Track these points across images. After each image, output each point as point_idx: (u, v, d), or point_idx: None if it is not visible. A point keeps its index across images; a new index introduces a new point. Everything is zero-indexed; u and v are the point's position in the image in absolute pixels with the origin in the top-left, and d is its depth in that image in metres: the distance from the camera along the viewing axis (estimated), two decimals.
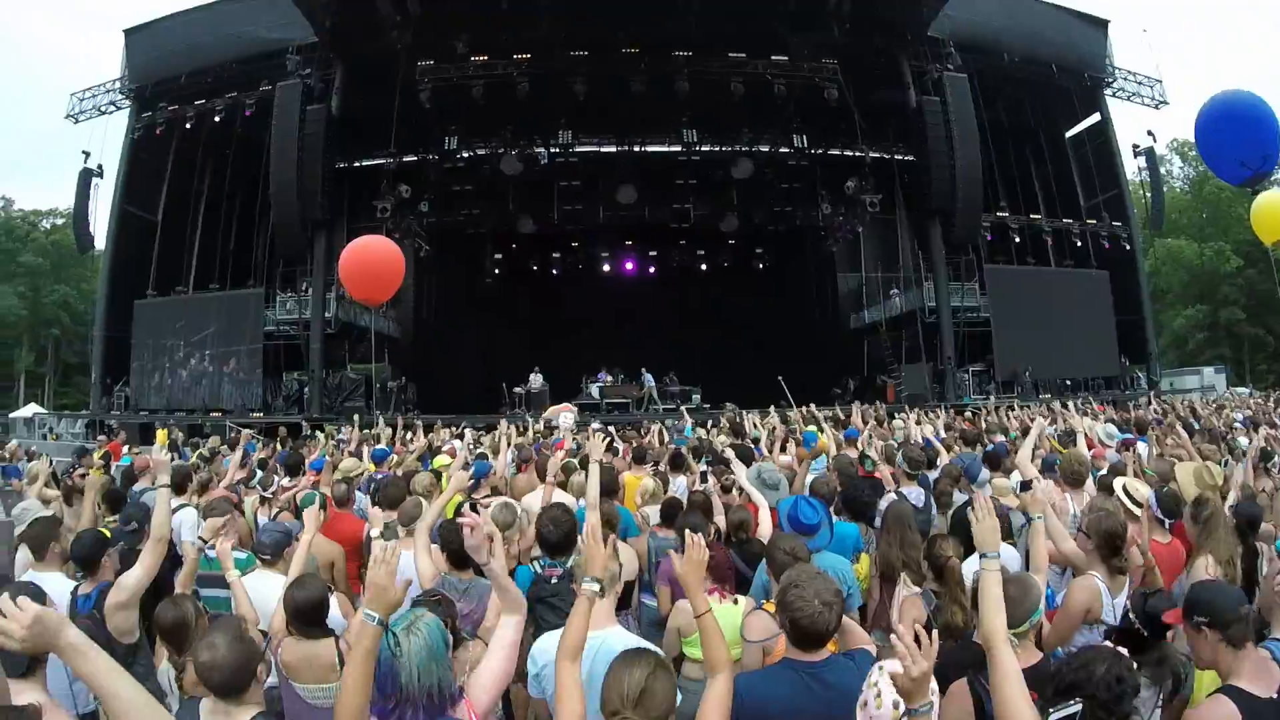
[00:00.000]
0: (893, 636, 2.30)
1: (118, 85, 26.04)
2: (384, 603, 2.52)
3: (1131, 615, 3.20)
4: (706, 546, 4.37)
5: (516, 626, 2.96)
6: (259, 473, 7.89)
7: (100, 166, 24.83)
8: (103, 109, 26.31)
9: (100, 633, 3.67)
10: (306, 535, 4.32)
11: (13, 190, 72.29)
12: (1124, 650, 2.40)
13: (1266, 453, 7.23)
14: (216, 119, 23.91)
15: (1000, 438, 9.52)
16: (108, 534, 4.75)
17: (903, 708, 2.23)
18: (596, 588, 2.82)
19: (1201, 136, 8.88)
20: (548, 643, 3.19)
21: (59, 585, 4.32)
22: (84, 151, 24.57)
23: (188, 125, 24.41)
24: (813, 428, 10.15)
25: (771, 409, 14.51)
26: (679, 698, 2.61)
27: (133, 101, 25.57)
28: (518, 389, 23.61)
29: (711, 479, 6.51)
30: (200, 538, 4.13)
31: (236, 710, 2.62)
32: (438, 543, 4.54)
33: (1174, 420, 10.97)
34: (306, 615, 3.53)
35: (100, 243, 25.96)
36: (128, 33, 25.48)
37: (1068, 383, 24.91)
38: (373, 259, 11.45)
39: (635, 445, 8.83)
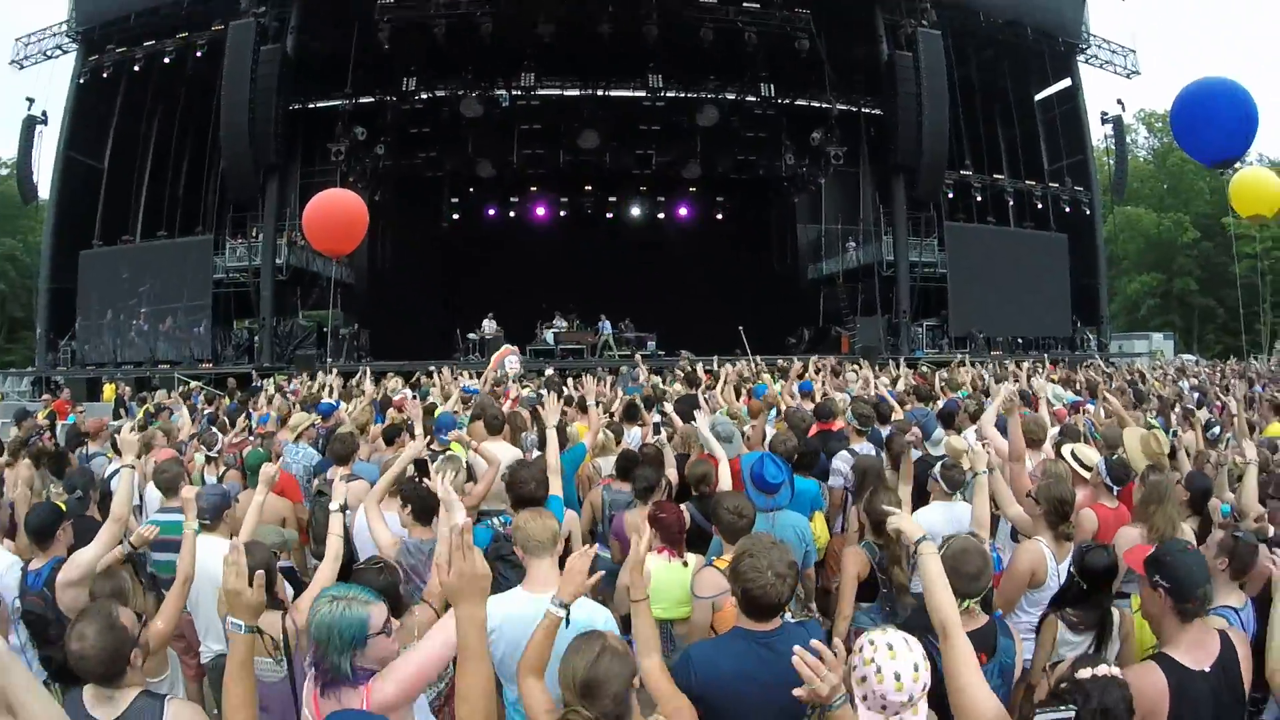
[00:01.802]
0: (795, 660, 2.24)
1: (64, 28, 25.06)
2: (244, 607, 2.40)
3: (1073, 569, 3.30)
4: (660, 504, 4.36)
5: (449, 641, 2.60)
6: (211, 429, 7.60)
7: (45, 113, 24.23)
8: (48, 53, 25.40)
9: (51, 610, 3.62)
10: (258, 497, 4.13)
11: None
12: (1115, 671, 2.33)
13: (1209, 423, 7.31)
14: (166, 60, 23.03)
15: (953, 395, 9.52)
16: (63, 506, 4.54)
17: (906, 680, 2.21)
18: (563, 613, 2.63)
19: (1177, 118, 8.95)
20: (501, 604, 3.06)
21: (2, 560, 4.15)
22: (28, 98, 23.84)
23: (136, 68, 23.49)
24: (766, 379, 10.10)
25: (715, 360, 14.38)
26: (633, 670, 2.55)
27: (80, 44, 24.62)
28: (471, 335, 23.46)
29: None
30: (130, 543, 3.92)
31: (118, 694, 2.58)
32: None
33: (1121, 384, 11.05)
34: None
35: (45, 192, 25.23)
36: None
37: (1019, 341, 25.28)
38: (337, 211, 11.30)
39: (579, 395, 8.68)
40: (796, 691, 2.22)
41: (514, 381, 11.86)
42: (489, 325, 23.37)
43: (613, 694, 2.23)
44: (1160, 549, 2.93)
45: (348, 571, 4.49)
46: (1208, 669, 2.68)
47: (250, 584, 2.42)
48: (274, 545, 4.19)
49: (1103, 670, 2.28)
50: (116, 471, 5.86)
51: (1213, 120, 8.25)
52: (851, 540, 5.05)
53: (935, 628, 2.64)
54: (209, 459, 6.50)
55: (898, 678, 2.20)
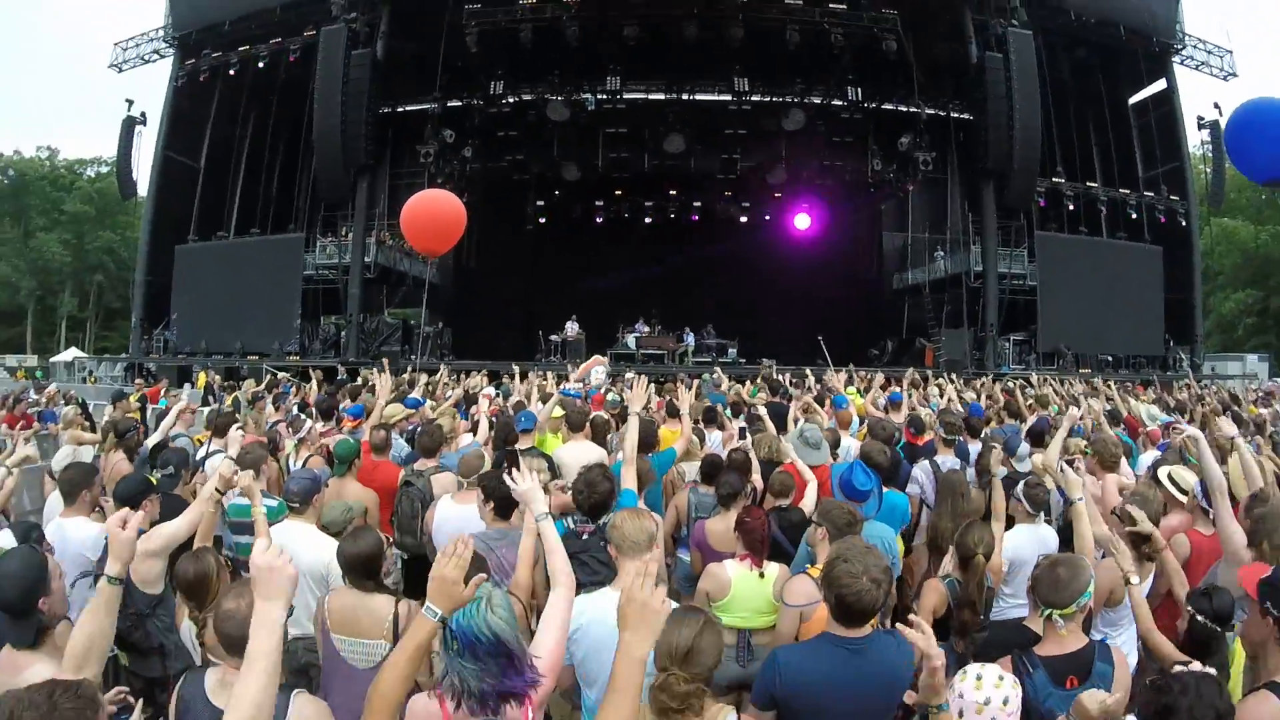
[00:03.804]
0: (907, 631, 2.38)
1: (161, 34, 26.21)
2: (448, 598, 2.29)
3: (1200, 617, 3.14)
4: (749, 508, 4.27)
5: (566, 602, 2.70)
6: (298, 415, 7.75)
7: (143, 114, 25.27)
8: (146, 58, 26.62)
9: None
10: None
11: (58, 140, 73.44)
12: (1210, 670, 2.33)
13: None
14: (260, 65, 23.90)
15: (1044, 412, 9.23)
16: (155, 480, 4.65)
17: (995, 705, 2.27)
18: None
19: (1231, 136, 8.83)
20: (589, 604, 3.05)
21: (85, 531, 4.26)
22: (127, 100, 25.02)
23: (231, 72, 24.37)
24: (850, 391, 9.93)
25: (808, 370, 14.22)
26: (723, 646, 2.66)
27: (176, 49, 25.66)
28: (554, 337, 23.66)
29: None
30: (216, 489, 3.93)
31: None
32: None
33: (1215, 407, 10.55)
34: (360, 567, 3.44)
35: (143, 189, 26.23)
36: None
37: (1109, 359, 24.30)
38: (438, 211, 11.53)
39: (668, 399, 8.61)
40: (908, 696, 2.32)
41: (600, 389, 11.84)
42: (572, 328, 23.58)
43: (708, 663, 2.36)
44: (1277, 573, 2.80)
45: (422, 566, 4.53)
46: None
47: (466, 582, 2.32)
48: (342, 520, 4.25)
49: (1195, 666, 2.30)
50: (213, 454, 6.02)
51: (1265, 137, 8.01)
52: (923, 560, 5.02)
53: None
54: (296, 444, 6.59)
55: (987, 703, 2.28)
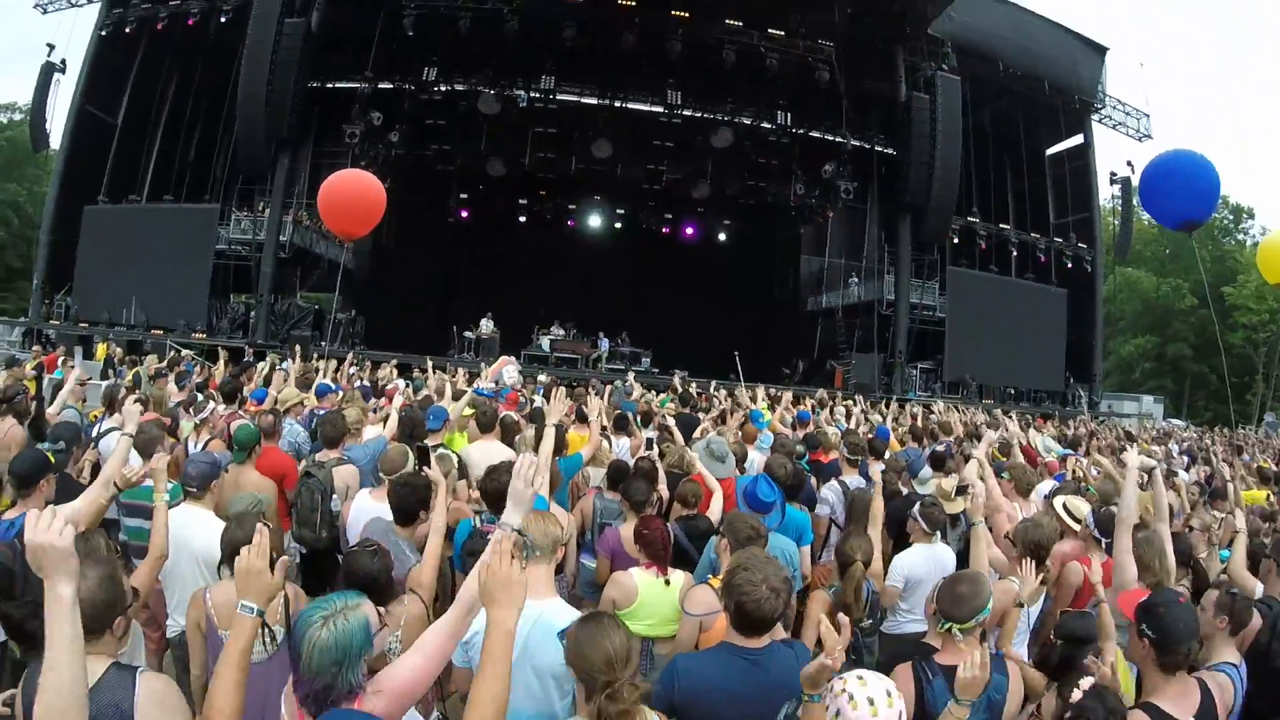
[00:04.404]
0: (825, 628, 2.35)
1: None
2: (258, 589, 2.32)
3: (1055, 638, 3.32)
4: (647, 519, 4.34)
5: (451, 634, 2.41)
6: (198, 396, 7.53)
7: (64, 62, 23.80)
8: (74, 0, 25.17)
9: (17, 562, 3.32)
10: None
11: None
12: (1091, 676, 2.55)
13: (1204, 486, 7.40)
14: (190, 22, 22.94)
15: (947, 438, 9.55)
16: (52, 458, 4.28)
17: (880, 705, 2.21)
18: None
19: (1145, 186, 9.34)
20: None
21: None
22: (48, 44, 23.55)
23: (159, 26, 23.30)
24: (762, 406, 10.10)
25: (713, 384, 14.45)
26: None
27: None
28: (468, 333, 23.38)
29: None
30: (115, 484, 3.82)
31: (90, 663, 2.24)
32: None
33: (1110, 443, 11.09)
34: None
35: (56, 142, 25.02)
36: None
37: (1011, 391, 25.35)
38: (358, 191, 11.08)
39: (578, 405, 8.65)
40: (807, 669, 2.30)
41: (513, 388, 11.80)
42: (486, 325, 23.36)
43: (635, 664, 2.34)
44: (1153, 598, 2.97)
45: (330, 556, 4.47)
46: (1192, 718, 2.73)
47: (272, 568, 2.35)
48: (247, 510, 4.00)
49: (1085, 683, 2.43)
50: (108, 432, 5.79)
51: (1179, 187, 8.61)
52: (830, 577, 5.05)
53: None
54: (195, 426, 6.43)
55: (871, 702, 2.20)
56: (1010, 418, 12.51)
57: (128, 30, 23.68)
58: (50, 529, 1.91)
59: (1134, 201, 27.53)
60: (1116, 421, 19.65)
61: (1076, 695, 2.39)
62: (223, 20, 22.42)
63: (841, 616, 2.36)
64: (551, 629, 2.59)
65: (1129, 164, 27.80)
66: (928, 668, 2.95)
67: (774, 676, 2.66)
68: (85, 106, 24.07)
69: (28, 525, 1.93)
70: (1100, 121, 28.13)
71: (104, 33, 23.95)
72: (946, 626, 3.02)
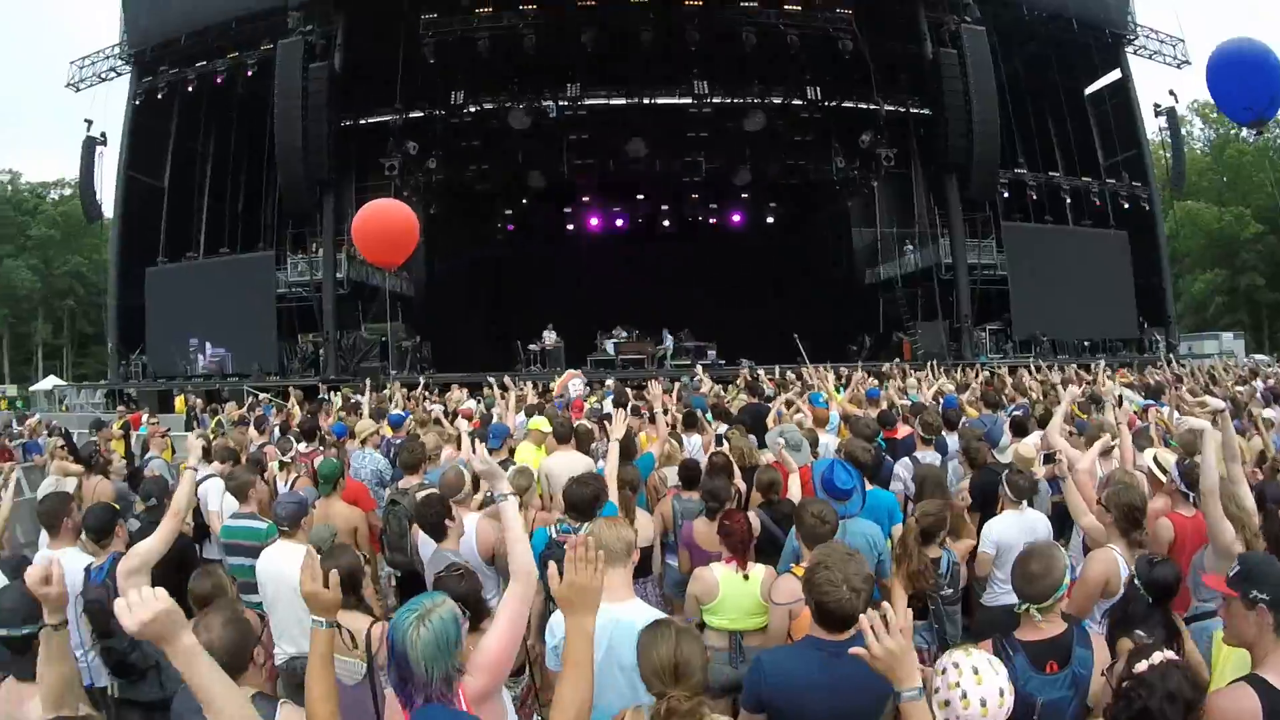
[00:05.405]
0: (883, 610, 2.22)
1: (117, 51, 25.82)
2: (321, 605, 2.51)
3: (1136, 581, 3.19)
4: (729, 512, 4.34)
5: (521, 598, 2.68)
6: (284, 437, 7.87)
7: (104, 134, 24.75)
8: (103, 75, 26.16)
9: (111, 600, 3.54)
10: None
11: (19, 163, 72.49)
12: (1169, 654, 2.28)
13: None
14: (218, 80, 23.58)
15: (1022, 400, 9.35)
16: (116, 506, 4.83)
17: (991, 706, 2.18)
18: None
19: (1212, 78, 8.95)
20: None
21: (74, 561, 4.31)
22: (86, 120, 24.48)
23: (190, 88, 24.07)
24: (828, 388, 10.00)
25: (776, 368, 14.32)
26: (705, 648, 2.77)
27: (133, 66, 25.30)
28: (532, 346, 23.56)
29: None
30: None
31: None
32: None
33: (1194, 386, 10.65)
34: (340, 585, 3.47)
35: (109, 211, 25.94)
36: None
37: (1085, 344, 24.60)
38: (386, 222, 11.11)
39: (647, 406, 8.65)
40: (854, 650, 2.21)
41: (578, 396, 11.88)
42: (549, 336, 23.51)
43: (698, 674, 2.33)
44: (1245, 563, 2.71)
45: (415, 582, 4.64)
46: None
47: (326, 584, 2.50)
48: (322, 541, 4.33)
49: (1158, 658, 2.23)
50: (204, 479, 6.15)
51: (1245, 78, 8.28)
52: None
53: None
54: (282, 464, 6.65)
55: (983, 703, 2.18)
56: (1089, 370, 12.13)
57: (160, 96, 24.47)
58: (141, 603, 2.01)
59: (1182, 131, 26.63)
60: (1198, 365, 18.80)
61: (1142, 666, 2.25)
62: (249, 74, 23.00)
63: (885, 605, 2.27)
64: (631, 629, 2.62)
65: (1171, 93, 27.19)
66: (1008, 644, 2.89)
67: (859, 668, 2.63)
68: (130, 173, 25.03)
69: (120, 615, 2.02)
70: (1135, 53, 27.29)
71: (137, 102, 24.84)
72: (1024, 606, 2.96)
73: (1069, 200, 26.52)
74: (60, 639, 2.58)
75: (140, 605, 1.99)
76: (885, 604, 2.29)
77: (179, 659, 2.05)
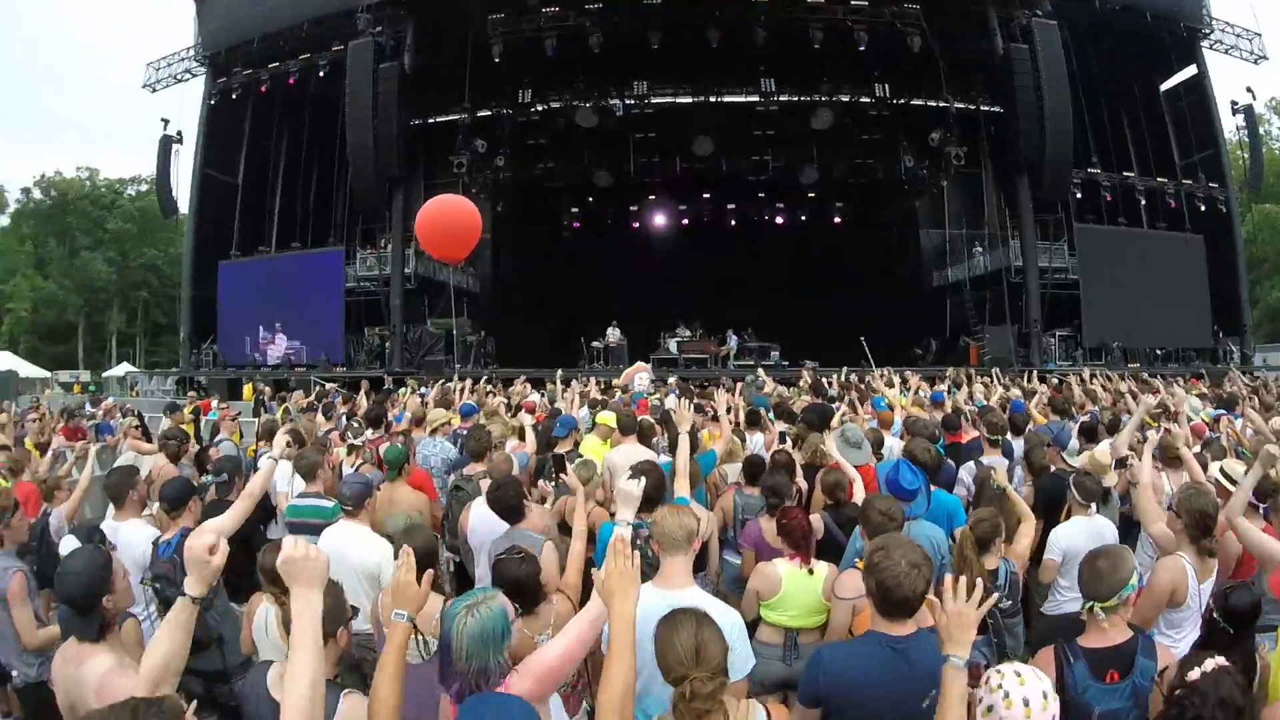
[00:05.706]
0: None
1: (191, 53, 26.58)
2: (408, 599, 2.58)
3: (1215, 614, 3.04)
4: (786, 509, 4.33)
5: (592, 621, 2.65)
6: (353, 423, 8.12)
7: (179, 133, 25.75)
8: (178, 77, 26.97)
9: (178, 575, 3.67)
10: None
11: (98, 160, 75.36)
12: (1220, 660, 2.30)
13: None
14: (291, 81, 24.21)
15: (1092, 407, 9.15)
16: (196, 484, 4.98)
17: (1035, 707, 2.19)
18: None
19: None
20: None
21: (138, 533, 4.54)
22: (163, 119, 25.50)
23: (263, 89, 24.74)
24: (891, 391, 9.90)
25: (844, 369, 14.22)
26: (752, 660, 3.01)
27: (207, 68, 26.03)
28: (596, 343, 23.74)
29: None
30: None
31: None
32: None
33: (1269, 400, 10.30)
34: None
35: (184, 206, 26.80)
36: (198, 0, 25.92)
37: (1158, 352, 23.86)
38: (448, 217, 11.32)
39: (710, 406, 8.67)
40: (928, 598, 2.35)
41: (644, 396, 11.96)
42: (613, 333, 23.68)
43: (718, 657, 2.33)
44: None
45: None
46: None
47: (419, 581, 2.60)
48: (401, 530, 4.34)
49: (1210, 665, 2.24)
50: (259, 457, 6.33)
51: None
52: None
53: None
54: (351, 448, 6.82)
55: (1026, 703, 2.19)
56: (1158, 379, 11.84)
57: (234, 97, 25.22)
58: (302, 547, 2.22)
59: (1260, 130, 25.57)
60: (1274, 377, 18.07)
61: (1194, 674, 2.24)
62: (321, 75, 23.51)
63: (963, 579, 2.32)
64: None
65: (1248, 90, 26.09)
66: (1070, 650, 2.87)
67: (919, 666, 2.61)
68: (206, 171, 25.80)
69: (285, 546, 2.22)
70: (1211, 48, 26.15)
71: (212, 102, 25.65)
72: (1089, 605, 2.93)
73: (1144, 201, 25.60)
74: (190, 613, 2.60)
75: (300, 547, 2.21)
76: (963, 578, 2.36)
77: (299, 603, 2.18)
